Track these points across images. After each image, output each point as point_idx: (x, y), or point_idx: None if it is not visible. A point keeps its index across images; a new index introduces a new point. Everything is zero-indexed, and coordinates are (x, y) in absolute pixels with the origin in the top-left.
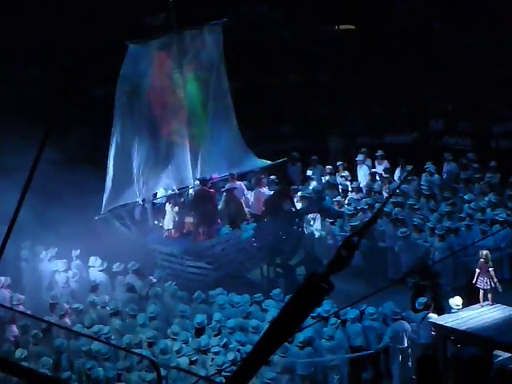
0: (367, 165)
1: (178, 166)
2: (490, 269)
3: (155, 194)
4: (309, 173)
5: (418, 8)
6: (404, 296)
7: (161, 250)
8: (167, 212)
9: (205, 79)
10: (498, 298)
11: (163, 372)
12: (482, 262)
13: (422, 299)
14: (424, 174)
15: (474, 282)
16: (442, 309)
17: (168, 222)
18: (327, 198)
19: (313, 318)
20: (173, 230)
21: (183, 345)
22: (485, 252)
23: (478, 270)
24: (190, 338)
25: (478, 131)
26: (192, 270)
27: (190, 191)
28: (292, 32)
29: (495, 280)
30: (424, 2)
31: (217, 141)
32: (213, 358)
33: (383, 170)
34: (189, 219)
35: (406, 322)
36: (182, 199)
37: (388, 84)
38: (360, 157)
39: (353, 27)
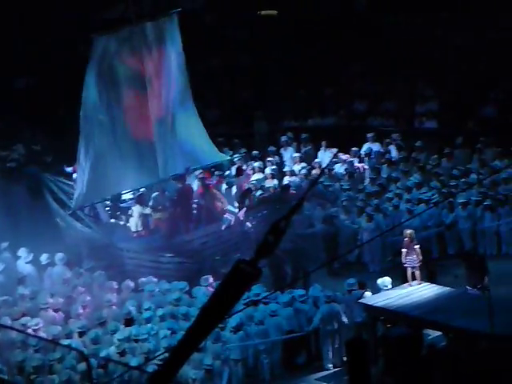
0: (292, 148)
1: (144, 164)
2: (416, 246)
3: (120, 195)
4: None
5: None
6: (334, 278)
7: (129, 248)
8: (134, 213)
9: (168, 72)
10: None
11: (94, 362)
12: (407, 240)
13: (352, 280)
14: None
15: (402, 261)
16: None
17: (135, 224)
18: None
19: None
20: (141, 230)
21: (113, 335)
22: (409, 231)
23: (404, 250)
24: (121, 327)
25: (401, 111)
26: (169, 265)
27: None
28: (215, 18)
29: (421, 258)
30: None
31: (180, 135)
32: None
33: (304, 153)
34: (157, 215)
35: (336, 304)
36: (153, 197)
37: (311, 67)
38: (284, 139)
39: (275, 12)
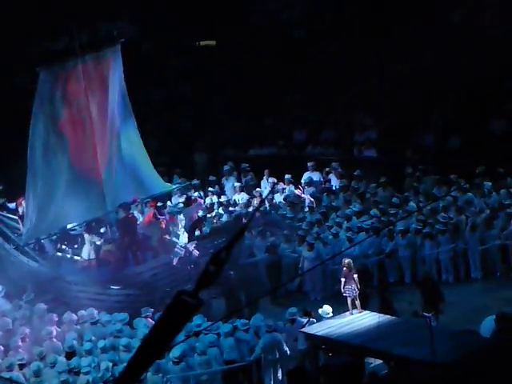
0: (233, 178)
1: (92, 197)
2: (355, 276)
3: (67, 229)
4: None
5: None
6: (276, 307)
7: (77, 281)
8: (86, 242)
9: (112, 101)
10: (368, 305)
11: None
12: (346, 270)
13: (293, 309)
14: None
15: (341, 290)
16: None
17: (87, 252)
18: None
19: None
20: (91, 260)
21: (52, 367)
22: (347, 260)
23: (343, 279)
24: (62, 359)
25: (341, 140)
26: (117, 298)
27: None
28: (153, 46)
29: (359, 286)
30: (283, 12)
31: (126, 165)
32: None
33: (245, 183)
34: (107, 247)
35: (278, 334)
36: (103, 228)
37: (251, 97)
38: (226, 169)
39: (213, 42)
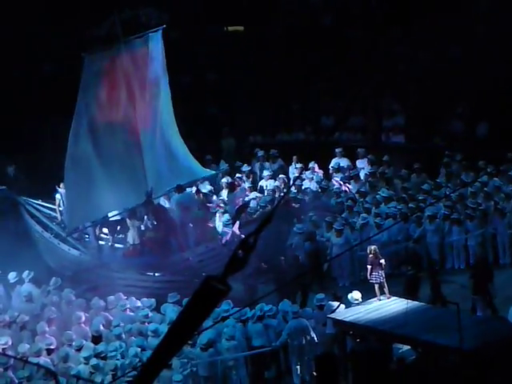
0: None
1: (132, 182)
2: (382, 261)
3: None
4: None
5: (305, 5)
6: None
7: (119, 269)
8: (130, 227)
9: (153, 89)
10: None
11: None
12: (372, 257)
13: (321, 295)
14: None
15: (368, 277)
16: (443, 298)
17: (132, 237)
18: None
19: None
20: (132, 247)
21: (80, 352)
22: (373, 247)
23: (369, 266)
24: (91, 344)
25: (368, 126)
26: (163, 285)
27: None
28: (180, 34)
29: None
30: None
31: (167, 151)
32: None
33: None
34: (150, 234)
35: (304, 319)
36: (145, 214)
37: (278, 82)
38: (260, 154)
39: (241, 28)
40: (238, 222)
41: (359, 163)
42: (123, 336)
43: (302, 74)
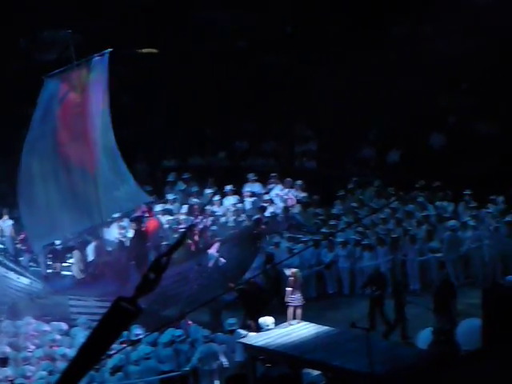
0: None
1: (85, 205)
2: (300, 284)
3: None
4: None
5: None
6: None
7: (77, 297)
8: (76, 260)
9: (101, 112)
10: (306, 316)
11: None
12: (293, 279)
13: (231, 320)
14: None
15: (285, 300)
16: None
17: (78, 270)
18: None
19: (122, 342)
20: (84, 274)
21: None
22: (293, 270)
23: (289, 289)
24: None
25: (281, 151)
26: None
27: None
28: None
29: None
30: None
31: (115, 175)
32: None
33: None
34: (103, 259)
35: (215, 344)
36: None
37: (191, 106)
38: (171, 178)
39: (155, 50)
40: (216, 244)
41: (272, 188)
42: (32, 360)
43: (215, 98)
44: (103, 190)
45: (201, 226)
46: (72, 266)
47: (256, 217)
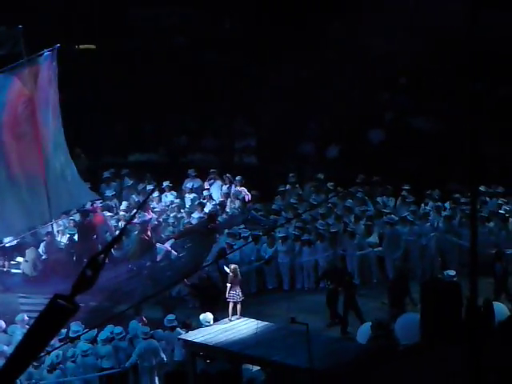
0: (116, 184)
1: (33, 204)
2: (239, 280)
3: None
4: None
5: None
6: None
7: (27, 295)
8: (28, 257)
9: (51, 109)
10: (246, 312)
11: None
12: (232, 275)
13: (171, 316)
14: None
15: (226, 296)
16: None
17: (30, 268)
18: None
19: (60, 340)
20: (36, 272)
21: None
22: (233, 266)
23: (229, 284)
24: None
25: (221, 147)
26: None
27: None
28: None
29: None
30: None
31: (62, 172)
32: None
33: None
34: (54, 257)
35: (154, 341)
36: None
37: (130, 103)
38: (107, 174)
39: (93, 46)
40: (170, 240)
41: (211, 184)
42: None
43: (154, 94)
44: (53, 188)
45: (155, 223)
46: (22, 263)
47: (210, 211)
